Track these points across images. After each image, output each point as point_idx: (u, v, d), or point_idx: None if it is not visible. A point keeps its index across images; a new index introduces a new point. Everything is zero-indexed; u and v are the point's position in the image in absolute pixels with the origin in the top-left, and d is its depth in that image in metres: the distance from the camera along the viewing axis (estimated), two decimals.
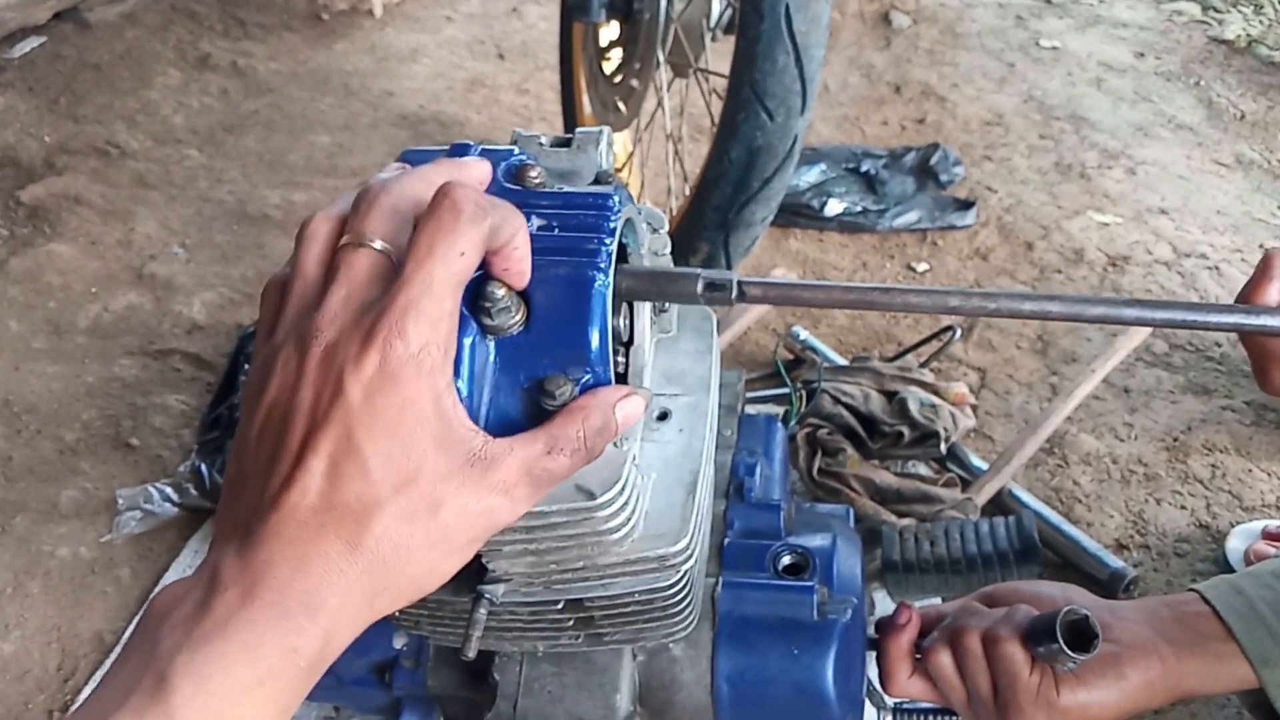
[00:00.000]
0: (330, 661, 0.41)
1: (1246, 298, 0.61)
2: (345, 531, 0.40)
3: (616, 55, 1.75)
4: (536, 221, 0.50)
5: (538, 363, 0.48)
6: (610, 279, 0.49)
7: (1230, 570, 1.35)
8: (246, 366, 1.62)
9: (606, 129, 0.59)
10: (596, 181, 0.57)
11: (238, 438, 0.44)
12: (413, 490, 0.41)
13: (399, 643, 0.82)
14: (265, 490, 0.41)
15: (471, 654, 0.56)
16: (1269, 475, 1.54)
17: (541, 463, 0.45)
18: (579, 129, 0.58)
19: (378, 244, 0.43)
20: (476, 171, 0.50)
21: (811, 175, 2.19)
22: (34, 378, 1.73)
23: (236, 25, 2.91)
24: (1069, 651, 0.69)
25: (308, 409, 0.41)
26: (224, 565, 0.40)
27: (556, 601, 0.61)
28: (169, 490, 1.47)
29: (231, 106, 2.57)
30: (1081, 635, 0.70)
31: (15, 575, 1.41)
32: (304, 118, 2.53)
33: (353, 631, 0.42)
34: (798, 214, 2.09)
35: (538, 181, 0.52)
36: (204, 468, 1.46)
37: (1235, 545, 1.38)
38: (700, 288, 0.51)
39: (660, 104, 1.65)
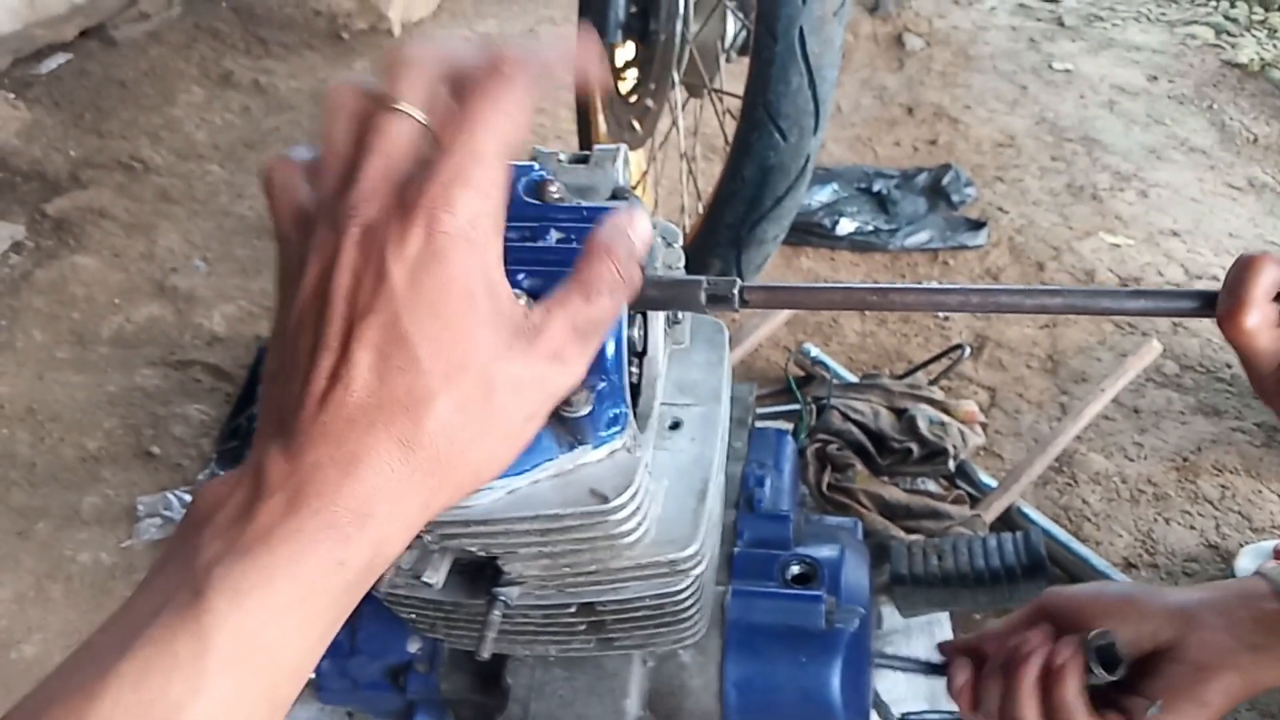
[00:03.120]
0: (379, 572, 0.39)
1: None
2: (397, 428, 0.37)
3: (632, 75, 1.78)
4: (555, 235, 0.52)
5: None
6: None
7: None
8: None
9: (623, 146, 0.61)
10: (614, 197, 0.59)
11: (275, 329, 0.41)
12: (464, 376, 0.38)
13: (413, 647, 0.84)
14: (309, 386, 0.38)
15: (486, 655, 0.58)
16: (1279, 497, 1.55)
17: (584, 313, 0.42)
18: (596, 146, 0.61)
19: (415, 110, 0.40)
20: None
21: (824, 195, 2.21)
22: (57, 386, 1.76)
23: (258, 44, 2.96)
24: (1105, 675, 0.66)
25: (347, 295, 0.38)
26: (269, 466, 0.37)
27: (569, 605, 0.62)
28: (188, 498, 1.50)
29: (253, 123, 2.61)
30: (1110, 660, 0.67)
31: (37, 579, 1.43)
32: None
33: (405, 537, 0.39)
34: (810, 233, 2.11)
35: (556, 196, 0.54)
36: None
37: (1245, 565, 1.38)
38: (704, 295, 0.53)
39: (675, 124, 1.67)
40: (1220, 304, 0.50)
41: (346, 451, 0.37)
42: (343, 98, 0.41)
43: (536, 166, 0.56)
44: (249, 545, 0.35)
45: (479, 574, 0.61)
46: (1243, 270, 0.49)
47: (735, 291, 0.52)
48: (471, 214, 0.38)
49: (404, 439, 0.38)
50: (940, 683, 1.20)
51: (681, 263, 0.65)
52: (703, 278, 0.54)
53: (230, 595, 0.34)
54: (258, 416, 0.42)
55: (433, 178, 0.38)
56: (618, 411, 0.52)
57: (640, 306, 0.55)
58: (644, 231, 0.46)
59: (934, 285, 0.50)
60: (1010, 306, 0.53)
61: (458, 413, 0.38)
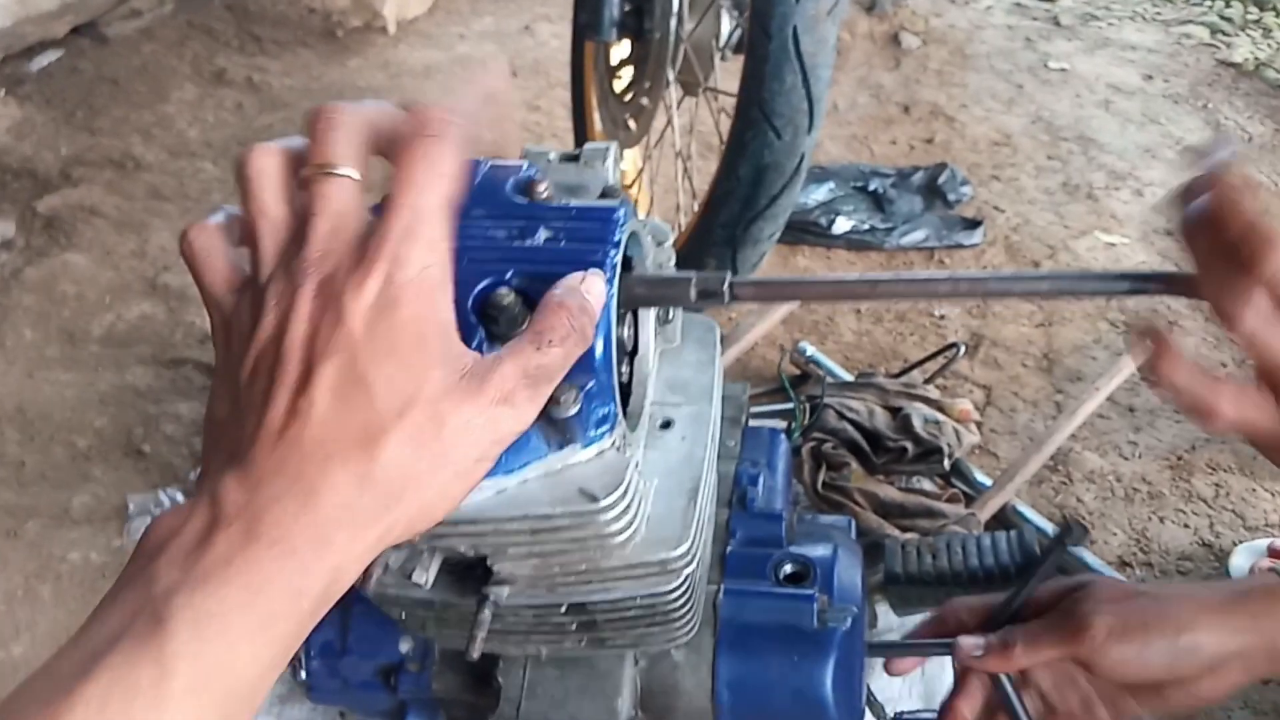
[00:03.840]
0: (334, 600, 0.40)
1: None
2: (353, 463, 0.39)
3: (627, 74, 1.77)
4: (544, 233, 0.52)
5: None
6: (615, 290, 0.50)
7: None
8: None
9: (614, 144, 0.60)
10: (603, 196, 0.58)
11: (221, 381, 0.43)
12: (415, 411, 0.40)
13: (404, 646, 0.83)
14: (264, 423, 0.39)
15: (476, 655, 0.58)
16: (1272, 495, 1.55)
17: (535, 360, 0.43)
18: (587, 144, 0.60)
19: (350, 171, 0.42)
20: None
21: (820, 193, 2.20)
22: (48, 385, 1.75)
23: (252, 41, 2.95)
24: None
25: (305, 340, 0.40)
26: (224, 496, 0.38)
27: (560, 605, 0.62)
28: (179, 496, 1.49)
29: (246, 121, 2.60)
30: None
31: (26, 579, 1.42)
32: None
33: (360, 566, 0.41)
34: (806, 231, 2.11)
35: (545, 195, 0.54)
36: None
37: (1239, 562, 1.38)
38: (694, 290, 0.52)
39: (670, 122, 1.67)
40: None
41: (303, 484, 0.39)
42: (264, 164, 0.43)
43: (526, 165, 0.56)
44: (207, 573, 0.37)
45: (468, 574, 0.60)
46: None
47: (725, 286, 0.51)
48: (421, 265, 0.41)
49: (359, 473, 0.39)
50: (935, 681, 1.20)
51: (672, 261, 0.64)
52: (692, 273, 0.54)
53: (191, 623, 0.35)
54: (202, 455, 0.43)
55: (385, 235, 0.40)
56: (607, 411, 0.52)
57: (631, 304, 0.54)
58: (598, 290, 0.48)
59: (923, 274, 0.50)
60: (1000, 292, 0.53)
61: (410, 448, 0.40)
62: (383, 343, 0.40)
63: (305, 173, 0.42)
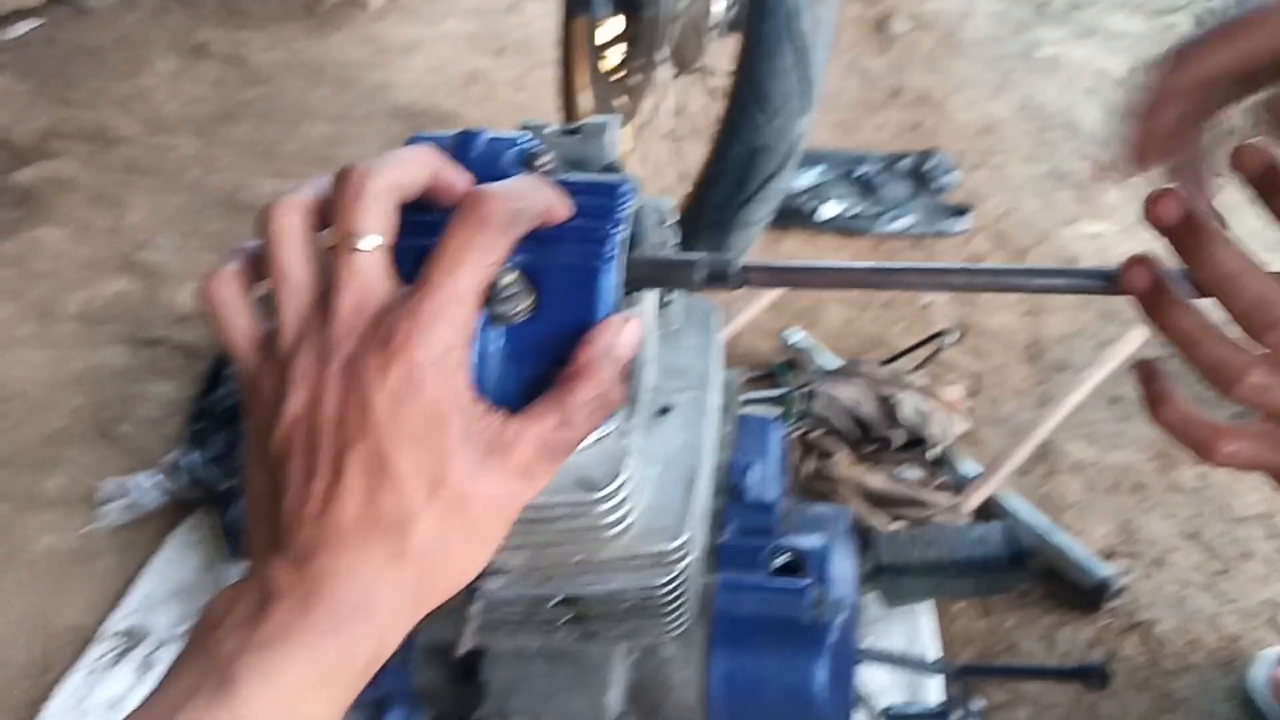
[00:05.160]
0: (384, 659, 0.43)
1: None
2: (388, 543, 0.41)
3: (617, 52, 1.74)
4: None
5: (544, 350, 0.47)
6: (619, 268, 0.48)
7: (1252, 702, 1.26)
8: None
9: (614, 118, 0.58)
10: (605, 171, 0.56)
11: (254, 451, 0.44)
12: (443, 492, 0.42)
13: None
14: (306, 504, 0.41)
15: (465, 649, 0.56)
16: (1256, 487, 1.55)
17: (555, 436, 0.44)
18: (588, 119, 0.58)
19: (375, 241, 0.42)
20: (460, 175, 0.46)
21: (807, 178, 2.19)
22: (19, 363, 1.71)
23: (233, 14, 2.90)
24: None
25: (334, 425, 0.41)
26: (275, 574, 0.41)
27: (551, 597, 0.60)
28: (154, 481, 1.46)
29: (226, 95, 2.55)
30: None
31: None
32: (299, 108, 2.51)
33: (403, 630, 0.43)
34: (793, 216, 2.09)
35: (547, 168, 0.52)
36: (190, 459, 1.45)
37: (1258, 672, 1.29)
38: (702, 273, 0.50)
39: (660, 102, 1.64)
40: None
41: (346, 563, 0.41)
42: (287, 223, 0.43)
43: (527, 136, 0.53)
44: (269, 637, 0.39)
45: None
46: None
47: (735, 270, 0.49)
48: (445, 347, 0.41)
49: (395, 553, 0.41)
50: (920, 677, 1.20)
51: (674, 242, 0.62)
52: (698, 255, 0.52)
53: (260, 678, 0.38)
54: (249, 530, 0.45)
55: (414, 314, 0.40)
56: None
57: (634, 285, 0.52)
58: (634, 342, 0.47)
59: (938, 264, 0.48)
60: (1016, 286, 0.51)
61: (439, 527, 0.42)
62: (406, 427, 0.41)
63: (330, 240, 0.42)
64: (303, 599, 0.40)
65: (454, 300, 0.41)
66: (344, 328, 0.41)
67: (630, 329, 0.47)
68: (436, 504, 0.41)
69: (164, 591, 1.36)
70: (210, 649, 0.40)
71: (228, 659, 0.39)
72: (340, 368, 0.41)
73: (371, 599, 0.41)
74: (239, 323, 0.44)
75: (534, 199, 0.45)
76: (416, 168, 0.43)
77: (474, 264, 0.41)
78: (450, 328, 0.41)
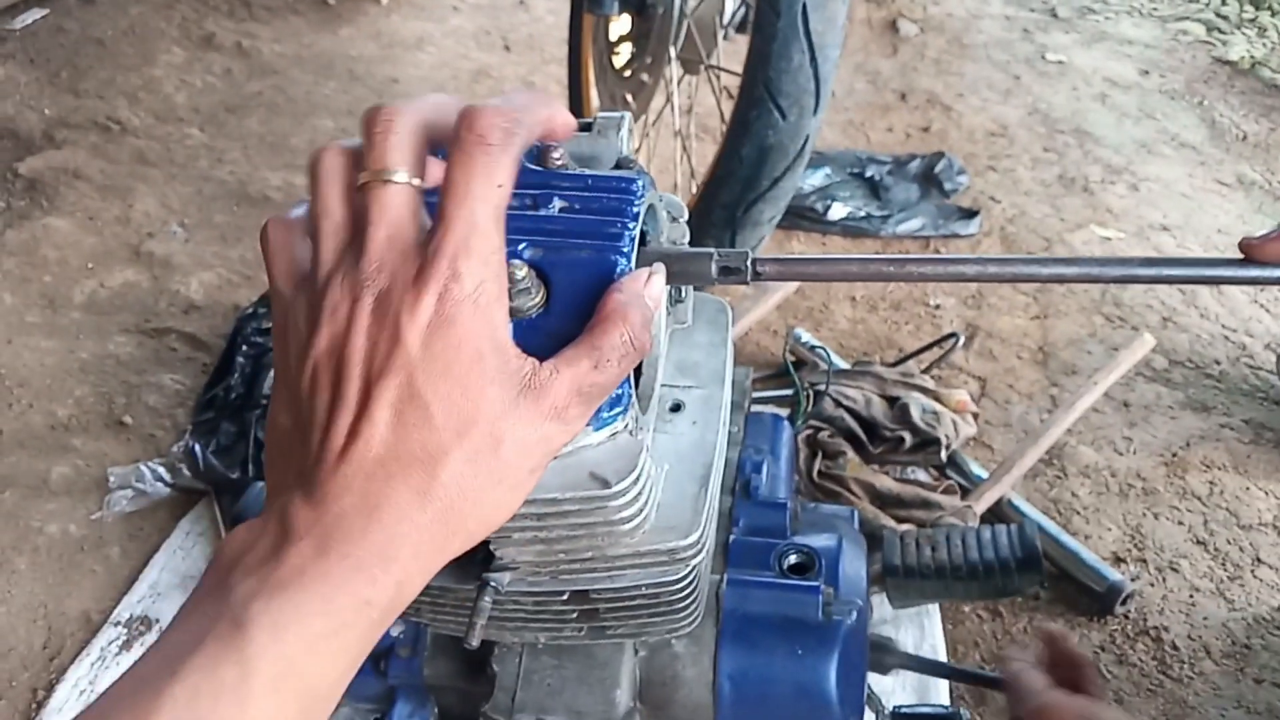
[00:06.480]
0: (401, 610, 0.41)
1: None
2: (414, 481, 0.40)
3: (626, 49, 1.74)
4: (559, 203, 0.50)
5: (556, 344, 0.47)
6: (632, 263, 0.48)
7: None
8: (245, 348, 1.61)
9: (627, 114, 0.58)
10: (618, 167, 0.56)
11: (281, 386, 0.43)
12: (474, 431, 0.40)
13: (395, 630, 0.81)
14: (328, 442, 0.40)
15: (475, 643, 0.55)
16: (1266, 494, 1.54)
17: (590, 378, 0.43)
18: (600, 114, 0.58)
19: (405, 176, 0.42)
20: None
21: (816, 179, 2.18)
22: (27, 352, 1.71)
23: (242, 6, 2.89)
24: None
25: (364, 358, 0.40)
26: (294, 514, 0.40)
27: (561, 592, 0.60)
28: (161, 470, 1.46)
29: (235, 87, 2.55)
30: None
31: (2, 551, 1.39)
32: (307, 101, 2.51)
33: (424, 578, 0.42)
34: (801, 217, 2.09)
35: (560, 163, 0.51)
36: (197, 448, 1.45)
37: None
38: (715, 268, 0.50)
39: (670, 100, 1.64)
40: None
41: (369, 502, 0.40)
42: (331, 164, 0.43)
43: None
44: (283, 583, 0.38)
45: (470, 558, 0.58)
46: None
47: (748, 263, 0.49)
48: (477, 281, 0.40)
49: (420, 490, 0.40)
50: (928, 679, 1.19)
51: (686, 238, 0.62)
52: (713, 249, 0.52)
53: (270, 628, 0.37)
54: (267, 466, 0.44)
55: (439, 249, 0.40)
56: (621, 391, 0.50)
57: None
58: (659, 294, 0.47)
59: (950, 255, 0.48)
60: (1028, 276, 0.51)
61: (469, 466, 0.41)
62: (439, 362, 0.40)
63: (362, 178, 0.42)
64: (319, 542, 0.39)
65: (474, 231, 0.40)
66: (375, 261, 0.41)
67: (656, 280, 0.47)
68: (466, 443, 0.40)
69: (171, 580, 1.36)
70: (225, 590, 0.39)
71: (241, 602, 0.38)
72: (372, 301, 0.40)
73: (393, 541, 0.40)
74: (285, 260, 0.44)
75: (531, 110, 0.44)
76: (444, 109, 0.43)
77: (482, 189, 0.41)
78: (478, 261, 0.40)
